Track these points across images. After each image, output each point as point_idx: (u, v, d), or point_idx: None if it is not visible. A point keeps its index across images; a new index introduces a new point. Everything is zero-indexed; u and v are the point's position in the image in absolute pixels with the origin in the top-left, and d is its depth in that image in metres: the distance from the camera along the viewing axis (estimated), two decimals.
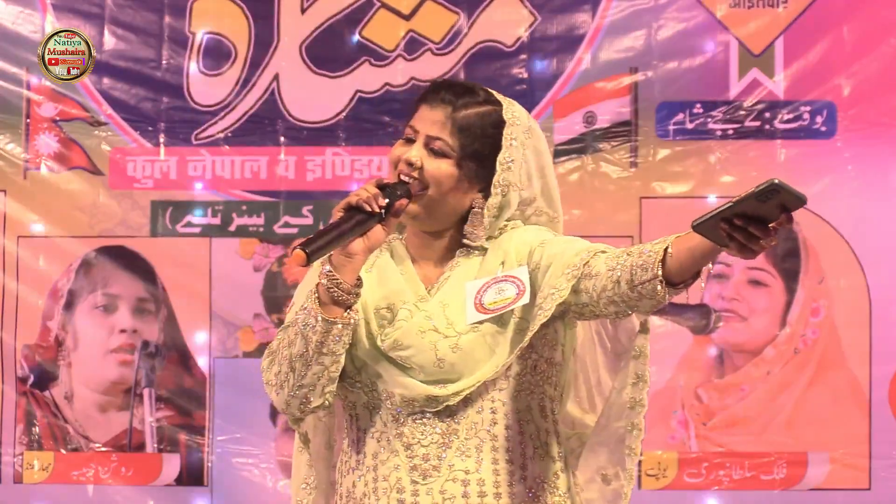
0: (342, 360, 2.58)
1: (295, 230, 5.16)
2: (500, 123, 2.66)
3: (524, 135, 2.68)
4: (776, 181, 2.31)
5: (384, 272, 2.69)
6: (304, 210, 5.17)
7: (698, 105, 5.11)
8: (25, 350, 5.17)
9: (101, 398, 5.17)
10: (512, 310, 2.59)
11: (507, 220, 2.71)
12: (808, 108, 5.09)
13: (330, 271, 2.54)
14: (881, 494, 5.03)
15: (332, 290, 2.53)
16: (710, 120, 5.10)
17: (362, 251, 2.55)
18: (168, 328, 5.18)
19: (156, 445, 5.16)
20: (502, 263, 2.64)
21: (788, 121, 5.10)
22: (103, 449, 5.16)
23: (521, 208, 2.71)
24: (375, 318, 2.64)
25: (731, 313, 5.10)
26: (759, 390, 5.07)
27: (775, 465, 5.05)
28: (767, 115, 5.10)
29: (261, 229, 5.16)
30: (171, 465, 5.16)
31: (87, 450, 5.16)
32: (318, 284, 2.55)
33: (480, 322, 2.59)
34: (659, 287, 2.43)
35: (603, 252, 2.53)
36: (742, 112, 5.10)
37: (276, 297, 5.15)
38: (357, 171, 5.16)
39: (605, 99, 5.12)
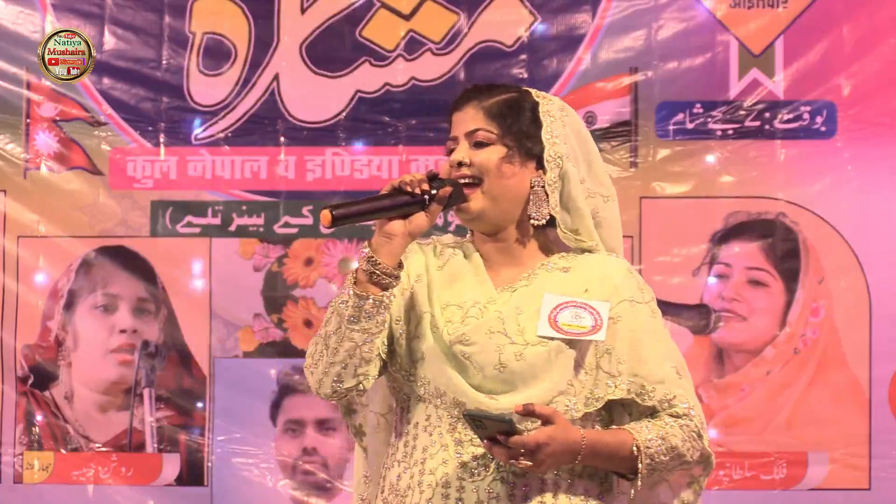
0: (376, 340, 2.57)
1: (295, 230, 5.16)
2: (533, 103, 2.69)
3: (560, 111, 2.70)
4: (464, 412, 2.49)
5: (456, 271, 2.68)
6: (304, 210, 5.17)
7: (698, 105, 5.11)
8: (25, 350, 5.17)
9: (101, 398, 5.17)
10: (585, 341, 2.59)
11: (577, 229, 2.68)
12: (808, 108, 5.09)
13: (368, 252, 2.54)
14: (881, 494, 5.03)
15: (369, 270, 2.53)
16: (710, 120, 5.10)
17: (402, 234, 2.55)
18: (168, 328, 5.18)
19: (156, 445, 5.16)
20: (586, 290, 2.63)
21: (788, 121, 5.10)
22: (103, 449, 5.16)
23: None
24: (444, 314, 2.63)
25: (731, 313, 5.10)
26: (759, 390, 5.07)
27: (775, 465, 5.05)
28: (767, 115, 5.10)
29: (261, 229, 5.16)
30: (171, 465, 5.16)
31: (87, 450, 5.16)
32: (357, 263, 2.55)
33: (551, 338, 2.58)
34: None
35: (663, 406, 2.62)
36: (742, 112, 5.10)
37: (276, 297, 5.15)
38: (357, 172, 5.16)
39: (604, 99, 5.12)
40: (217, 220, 5.18)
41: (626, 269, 2.68)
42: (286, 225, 5.16)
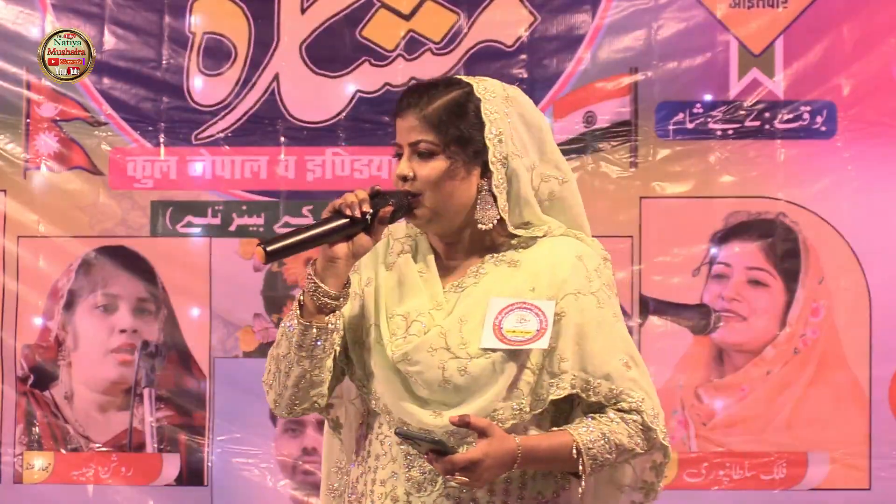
0: (326, 364, 2.57)
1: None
2: (475, 102, 2.62)
3: (504, 104, 2.63)
4: (396, 430, 2.51)
5: (403, 273, 2.66)
6: (304, 210, 5.17)
7: (698, 105, 5.11)
8: (25, 350, 5.17)
9: (101, 398, 5.17)
10: (528, 350, 2.56)
11: (528, 221, 2.65)
12: (808, 108, 5.09)
13: (313, 278, 2.53)
14: (881, 494, 5.03)
15: (314, 295, 2.52)
16: (710, 120, 5.10)
17: (345, 256, 2.53)
18: (168, 328, 5.18)
19: (156, 445, 5.16)
20: (533, 289, 2.59)
21: (788, 121, 5.09)
22: (103, 449, 5.16)
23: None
24: (389, 326, 2.61)
25: (731, 313, 5.10)
26: (759, 390, 5.07)
27: (775, 465, 5.05)
28: (767, 114, 5.10)
29: (261, 229, 5.16)
30: (171, 465, 5.15)
31: (87, 450, 5.15)
32: (302, 286, 2.54)
33: (494, 350, 2.55)
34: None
35: (607, 402, 2.59)
36: (742, 112, 5.10)
37: (276, 297, 5.15)
38: (357, 172, 5.16)
39: (604, 99, 5.12)
40: (217, 220, 5.18)
41: (574, 255, 2.63)
42: (286, 225, 5.16)
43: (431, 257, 2.67)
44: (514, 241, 2.66)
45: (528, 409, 2.57)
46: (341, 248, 2.53)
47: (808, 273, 5.08)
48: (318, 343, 2.54)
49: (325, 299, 2.52)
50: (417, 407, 2.57)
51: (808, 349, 5.07)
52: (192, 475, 5.15)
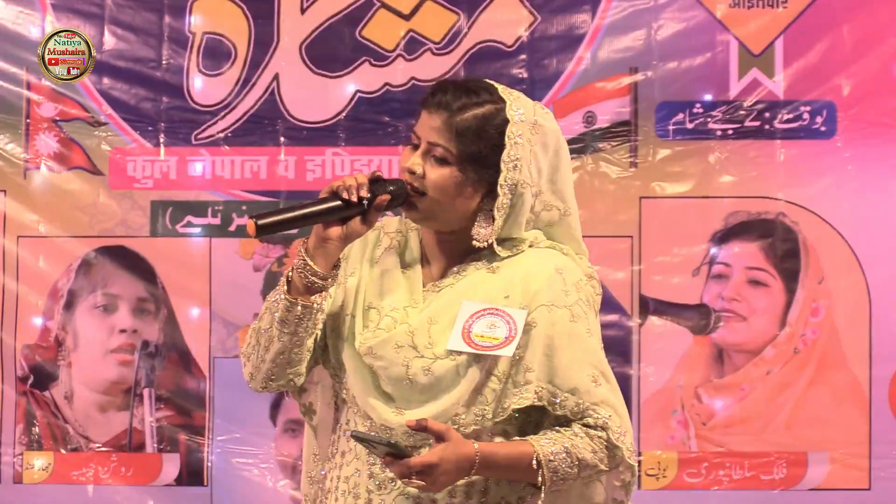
0: (306, 342, 2.57)
1: (295, 230, 5.15)
2: (503, 122, 2.59)
3: (530, 131, 2.61)
4: (352, 432, 2.51)
5: (386, 268, 2.66)
6: None
7: (698, 105, 5.11)
8: (25, 350, 5.17)
9: (101, 398, 5.17)
10: (494, 356, 2.54)
11: (513, 236, 2.65)
12: (808, 108, 5.09)
13: (303, 255, 2.53)
14: (881, 494, 5.03)
15: (301, 274, 2.52)
16: (710, 120, 5.10)
17: (338, 238, 2.53)
18: (168, 328, 5.18)
19: (156, 445, 5.16)
20: (507, 297, 2.58)
21: (788, 121, 5.09)
22: (103, 449, 5.16)
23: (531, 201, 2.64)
24: (362, 318, 2.62)
25: (731, 313, 5.10)
26: (759, 390, 5.07)
27: (775, 465, 5.05)
28: (767, 115, 5.10)
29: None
30: (171, 465, 5.15)
31: (87, 450, 5.15)
32: (292, 266, 2.54)
33: (459, 352, 2.54)
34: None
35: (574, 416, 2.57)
36: (742, 112, 5.10)
37: None
38: (357, 171, 5.15)
39: (604, 99, 5.12)
40: (217, 220, 5.18)
41: (552, 269, 2.60)
42: None
43: (418, 255, 2.67)
44: (500, 247, 2.64)
45: (490, 416, 2.55)
46: (334, 230, 2.53)
47: (808, 273, 5.08)
48: (301, 321, 2.54)
49: (313, 278, 2.52)
50: (381, 403, 2.57)
51: (808, 349, 5.07)
52: (192, 475, 5.15)
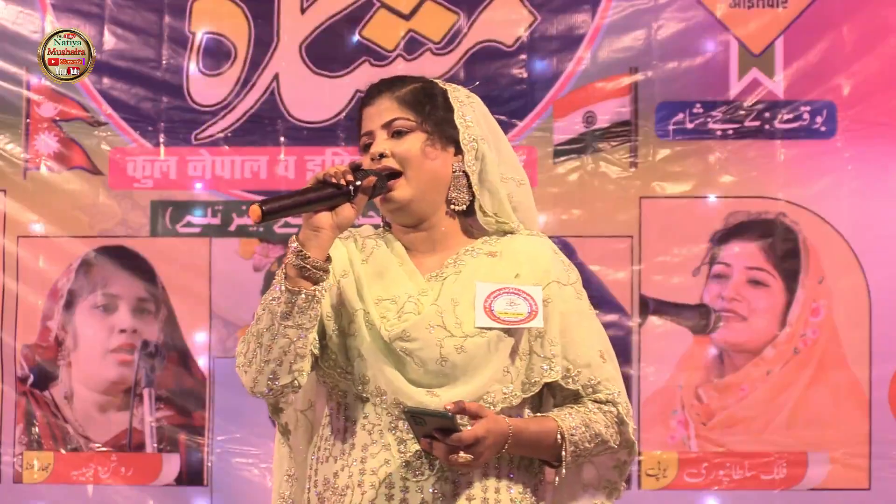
0: (309, 336, 2.56)
1: (295, 230, 5.15)
2: (443, 90, 2.72)
3: (467, 97, 2.73)
4: (405, 408, 2.50)
5: (382, 264, 2.67)
6: None
7: (698, 105, 5.11)
8: (25, 350, 5.17)
9: (101, 398, 5.17)
10: (523, 329, 2.61)
11: (497, 213, 2.71)
12: (808, 108, 5.09)
13: (297, 246, 2.53)
14: (881, 494, 5.03)
15: (299, 265, 2.53)
16: (710, 120, 5.10)
17: (329, 227, 2.54)
18: (168, 328, 5.18)
19: (156, 445, 5.16)
20: (517, 276, 2.64)
21: (788, 121, 5.10)
22: (103, 449, 5.16)
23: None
24: (377, 309, 2.62)
25: (731, 313, 5.10)
26: (759, 390, 5.07)
27: (775, 465, 5.05)
28: (767, 114, 5.10)
29: (261, 229, 5.16)
30: (171, 465, 5.16)
31: (87, 450, 5.16)
32: (285, 260, 2.55)
33: (489, 329, 2.59)
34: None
35: (585, 391, 2.65)
36: (742, 112, 5.10)
37: None
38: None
39: (604, 99, 5.12)
40: (217, 220, 5.18)
41: (551, 250, 2.70)
42: (286, 225, 5.16)
43: (404, 252, 2.70)
44: (485, 237, 2.71)
45: (518, 393, 2.61)
46: (325, 219, 2.54)
47: (808, 273, 5.08)
48: (304, 311, 2.53)
49: (311, 268, 2.53)
50: (414, 388, 2.58)
51: (808, 349, 5.07)
52: (192, 475, 5.16)
